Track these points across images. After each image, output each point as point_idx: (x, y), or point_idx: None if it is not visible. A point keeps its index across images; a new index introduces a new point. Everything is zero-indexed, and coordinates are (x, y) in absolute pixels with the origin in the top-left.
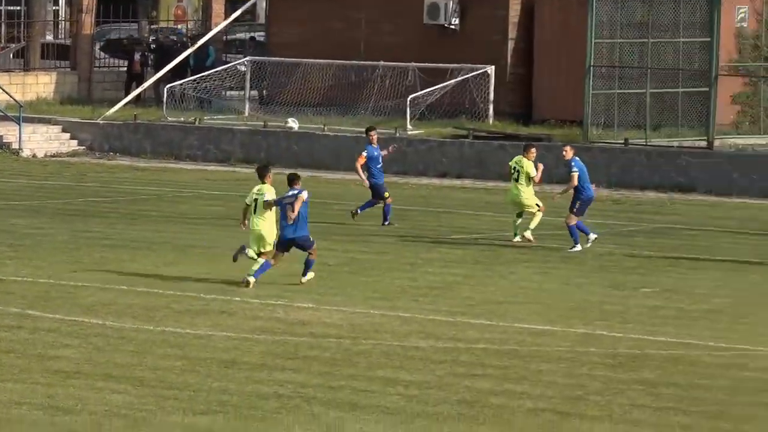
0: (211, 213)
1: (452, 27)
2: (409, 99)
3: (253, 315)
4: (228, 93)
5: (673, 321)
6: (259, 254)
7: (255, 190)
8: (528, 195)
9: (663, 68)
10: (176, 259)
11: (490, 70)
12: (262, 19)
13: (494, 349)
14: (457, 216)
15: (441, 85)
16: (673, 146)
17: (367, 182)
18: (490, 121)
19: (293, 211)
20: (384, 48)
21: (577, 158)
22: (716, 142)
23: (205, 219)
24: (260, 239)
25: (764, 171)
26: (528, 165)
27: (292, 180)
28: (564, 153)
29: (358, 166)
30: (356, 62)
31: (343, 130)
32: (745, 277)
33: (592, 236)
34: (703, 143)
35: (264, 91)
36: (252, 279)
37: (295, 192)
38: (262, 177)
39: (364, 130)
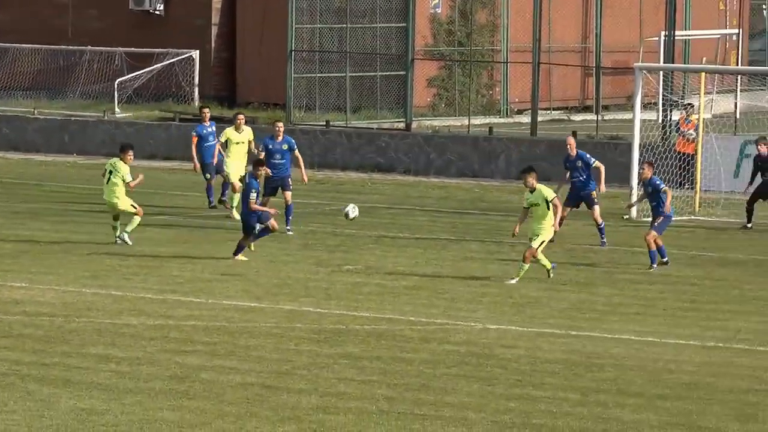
0: None
1: (157, 12)
2: (116, 83)
3: None
4: None
5: (376, 297)
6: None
7: (110, 161)
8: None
9: (362, 53)
10: None
11: (195, 54)
12: None
13: (203, 325)
14: (166, 196)
15: (147, 69)
16: (372, 128)
17: (198, 165)
18: (196, 104)
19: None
20: (91, 33)
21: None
22: (414, 124)
23: None
24: (114, 207)
25: (460, 151)
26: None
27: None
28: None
29: (193, 146)
30: (64, 47)
31: (52, 113)
32: (443, 253)
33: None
34: (402, 125)
35: None
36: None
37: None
38: (119, 153)
39: (73, 113)
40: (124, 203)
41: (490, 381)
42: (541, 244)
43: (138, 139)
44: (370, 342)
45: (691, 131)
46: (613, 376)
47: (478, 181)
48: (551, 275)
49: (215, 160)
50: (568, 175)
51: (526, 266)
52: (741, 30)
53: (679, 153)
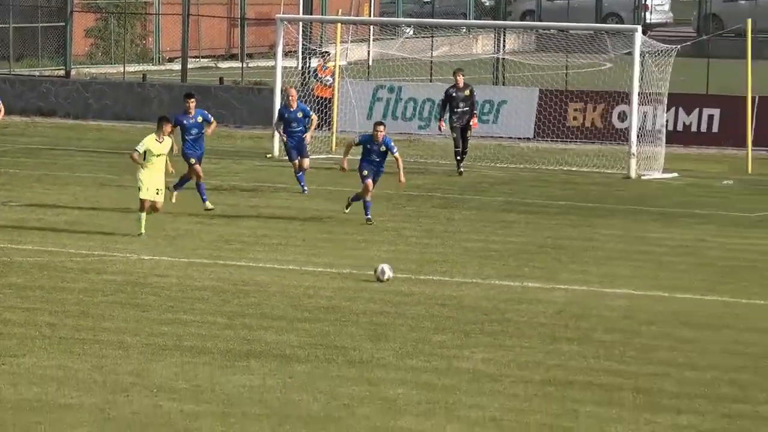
0: None
1: None
2: None
3: None
4: None
5: (38, 231)
6: None
7: None
8: None
9: (24, 5)
10: None
11: None
12: None
13: None
14: None
15: None
16: (35, 75)
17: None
18: None
19: None
20: None
21: None
22: (73, 71)
23: None
24: None
25: (115, 96)
26: None
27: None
28: None
29: None
30: None
31: None
32: (101, 191)
33: None
34: (62, 72)
35: None
36: None
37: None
38: None
39: None
40: None
41: (145, 308)
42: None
43: None
44: (33, 273)
45: (328, 77)
46: (258, 302)
47: (133, 124)
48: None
49: None
50: (282, 127)
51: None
52: None
53: (317, 97)
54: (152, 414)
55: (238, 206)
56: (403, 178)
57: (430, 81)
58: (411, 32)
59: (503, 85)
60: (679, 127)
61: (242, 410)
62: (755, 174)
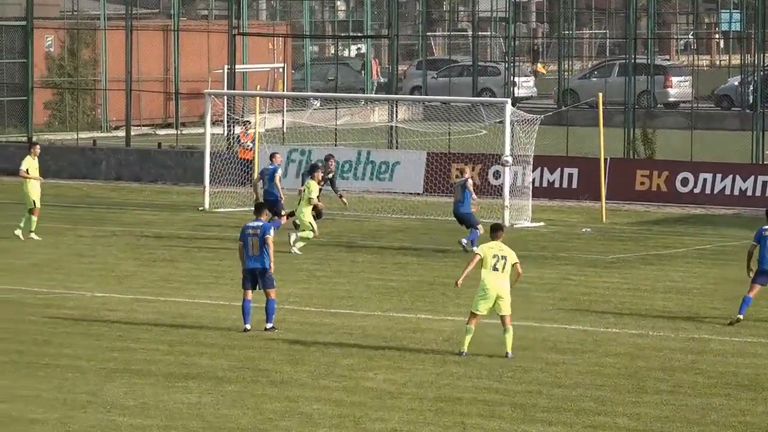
0: None
1: None
2: None
3: None
4: None
5: (5, 272)
6: None
7: None
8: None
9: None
10: None
11: None
12: None
13: None
14: None
15: None
16: (1, 141)
17: None
18: None
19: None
20: None
21: None
22: (34, 138)
23: None
24: None
25: (70, 159)
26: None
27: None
28: None
29: None
30: None
31: None
32: (59, 238)
33: None
34: (25, 138)
35: None
36: None
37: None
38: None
39: None
40: None
41: (98, 337)
42: None
43: None
44: (1, 308)
45: (249, 142)
46: (194, 332)
47: (85, 182)
48: None
49: None
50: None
51: None
52: (285, 64)
53: (240, 159)
54: (106, 427)
55: (176, 250)
56: None
57: (335, 145)
58: (318, 104)
59: (396, 148)
60: (545, 184)
61: (183, 423)
62: (608, 223)
